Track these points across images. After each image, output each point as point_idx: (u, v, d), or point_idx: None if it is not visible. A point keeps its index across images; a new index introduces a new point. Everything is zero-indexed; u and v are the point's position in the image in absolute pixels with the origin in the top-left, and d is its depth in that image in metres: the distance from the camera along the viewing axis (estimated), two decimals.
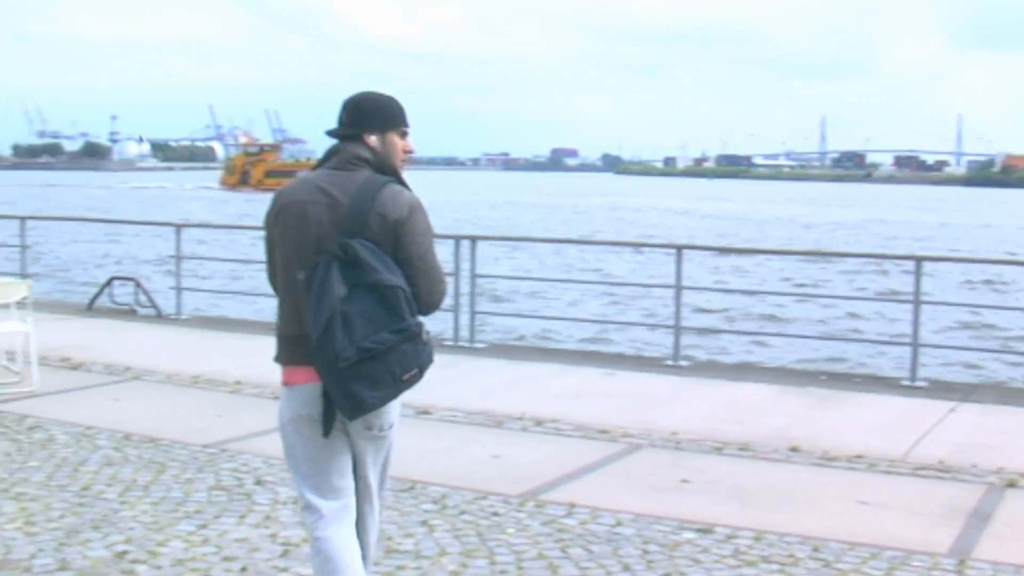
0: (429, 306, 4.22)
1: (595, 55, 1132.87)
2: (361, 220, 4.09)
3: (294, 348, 4.20)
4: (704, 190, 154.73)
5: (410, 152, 4.41)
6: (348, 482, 4.35)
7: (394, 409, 4.27)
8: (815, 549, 6.01)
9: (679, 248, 12.77)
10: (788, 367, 14.58)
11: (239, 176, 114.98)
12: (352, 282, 3.99)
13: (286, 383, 4.25)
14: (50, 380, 10.26)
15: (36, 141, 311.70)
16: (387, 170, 4.24)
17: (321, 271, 4.01)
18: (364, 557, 4.48)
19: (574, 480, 7.42)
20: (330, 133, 4.35)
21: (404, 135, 4.38)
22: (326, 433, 4.19)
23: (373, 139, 4.28)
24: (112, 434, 8.38)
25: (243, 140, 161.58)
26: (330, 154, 4.30)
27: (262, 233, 4.41)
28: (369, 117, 4.30)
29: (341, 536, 4.28)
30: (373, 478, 4.43)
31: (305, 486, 4.31)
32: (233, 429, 8.48)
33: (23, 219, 17.49)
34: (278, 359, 4.29)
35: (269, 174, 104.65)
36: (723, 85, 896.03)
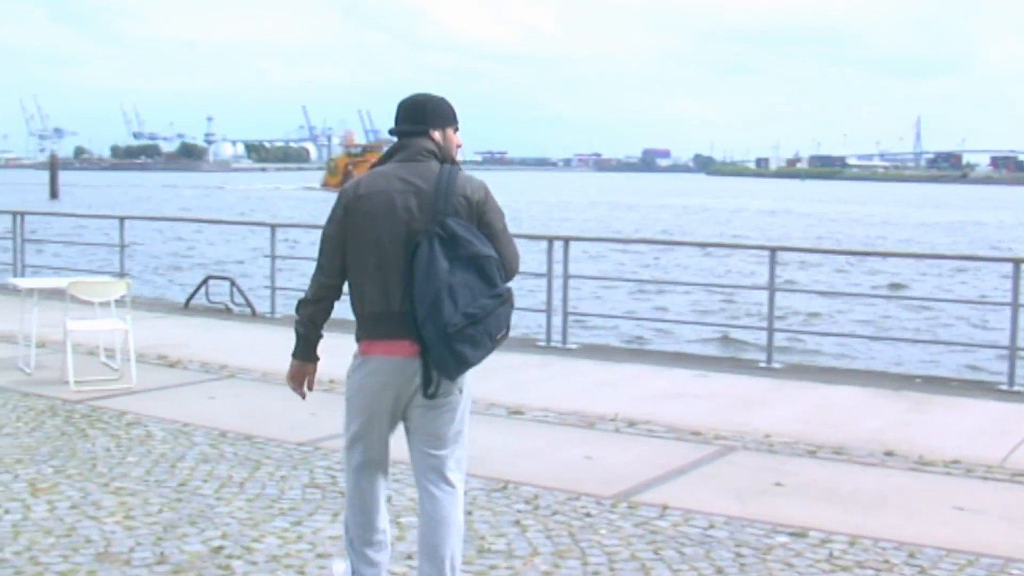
0: (511, 274, 4.71)
1: (687, 55, 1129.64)
2: (450, 203, 4.56)
3: (379, 323, 4.65)
4: (797, 191, 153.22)
5: (459, 145, 4.91)
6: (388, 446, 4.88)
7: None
8: (910, 555, 5.94)
9: (772, 250, 12.69)
10: (882, 370, 14.39)
11: (342, 177, 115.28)
12: (451, 256, 4.46)
13: (365, 352, 4.71)
14: (148, 377, 10.44)
15: (133, 142, 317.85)
16: (448, 160, 4.74)
17: (425, 249, 4.46)
18: (444, 554, 4.67)
19: (667, 482, 7.39)
20: (396, 131, 4.83)
21: (456, 130, 4.90)
22: (427, 394, 4.58)
23: (437, 134, 4.79)
24: (208, 431, 8.50)
25: (336, 140, 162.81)
26: (396, 149, 4.79)
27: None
28: (433, 115, 4.80)
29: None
30: (442, 458, 4.72)
31: (348, 430, 4.85)
32: (327, 427, 8.53)
33: (121, 219, 17.83)
34: (360, 335, 4.73)
35: None
36: (816, 85, 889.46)
